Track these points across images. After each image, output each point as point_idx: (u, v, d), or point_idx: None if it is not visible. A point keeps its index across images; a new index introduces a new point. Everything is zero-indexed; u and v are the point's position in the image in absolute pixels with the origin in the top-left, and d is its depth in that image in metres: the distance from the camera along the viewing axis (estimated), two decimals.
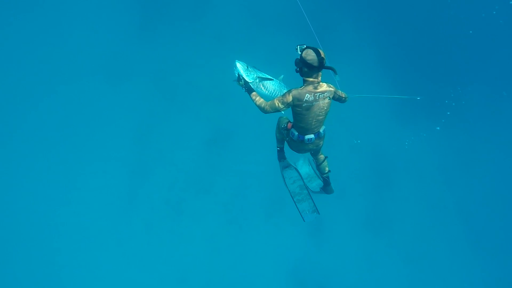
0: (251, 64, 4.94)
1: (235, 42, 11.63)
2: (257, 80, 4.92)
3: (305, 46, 3.86)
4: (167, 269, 11.03)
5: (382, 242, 11.60)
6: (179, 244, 11.11)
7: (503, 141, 12.10)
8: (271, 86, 5.19)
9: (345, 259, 11.35)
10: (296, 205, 5.22)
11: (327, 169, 5.05)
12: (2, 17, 11.58)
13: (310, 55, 3.74)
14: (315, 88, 3.90)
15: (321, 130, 4.42)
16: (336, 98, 4.24)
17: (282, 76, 5.54)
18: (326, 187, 5.11)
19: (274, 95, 5.20)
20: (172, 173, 11.46)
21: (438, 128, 12.00)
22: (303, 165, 5.59)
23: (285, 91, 5.23)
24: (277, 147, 5.19)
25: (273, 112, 4.10)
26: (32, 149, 11.37)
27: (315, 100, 3.93)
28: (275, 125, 5.03)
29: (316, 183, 5.42)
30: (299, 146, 4.53)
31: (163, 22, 11.90)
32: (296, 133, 4.36)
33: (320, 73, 3.89)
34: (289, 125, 4.50)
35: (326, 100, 4.04)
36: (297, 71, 4.00)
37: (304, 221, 5.25)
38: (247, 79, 4.67)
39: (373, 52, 12.29)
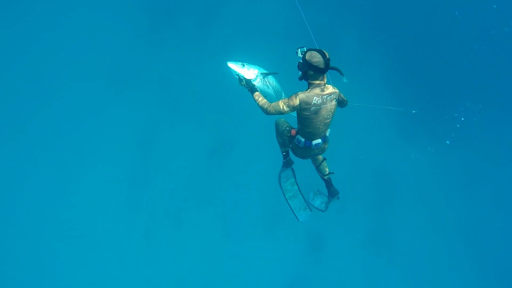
0: (246, 61, 4.63)
1: (241, 53, 11.70)
2: (261, 76, 4.67)
3: (305, 48, 3.76)
4: (164, 280, 10.89)
5: (382, 260, 11.43)
6: (177, 255, 11.01)
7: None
8: (273, 82, 4.95)
9: (344, 276, 11.17)
10: (288, 203, 5.11)
11: (327, 169, 4.86)
12: (12, 25, 11.74)
13: (315, 57, 3.62)
14: (322, 90, 3.77)
15: (327, 134, 4.27)
16: (339, 101, 4.08)
17: (278, 73, 5.34)
18: (330, 188, 4.92)
19: (276, 92, 4.99)
20: (173, 183, 11.42)
21: (448, 142, 11.88)
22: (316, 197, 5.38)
23: (283, 92, 5.11)
24: (282, 152, 4.98)
25: (276, 114, 3.94)
26: (35, 153, 11.40)
27: (323, 102, 3.80)
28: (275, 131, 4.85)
29: (320, 201, 5.28)
30: (305, 152, 4.36)
31: (170, 31, 12.01)
32: (303, 140, 4.18)
33: (326, 75, 3.79)
34: (293, 131, 4.34)
35: (333, 102, 3.92)
36: (301, 78, 3.87)
37: (298, 220, 5.10)
38: (248, 76, 4.44)
39: (381, 65, 12.25)
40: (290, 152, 4.89)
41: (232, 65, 4.46)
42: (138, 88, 11.78)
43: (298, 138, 4.23)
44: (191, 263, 10.93)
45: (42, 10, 11.75)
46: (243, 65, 4.50)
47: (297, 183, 5.12)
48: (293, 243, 11.28)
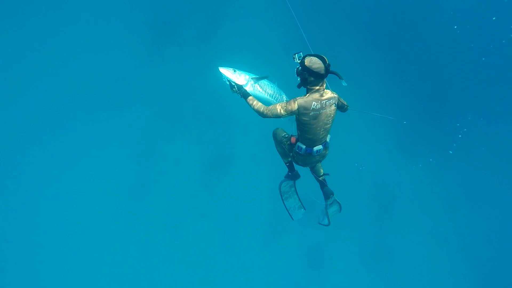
0: (238, 68, 4.58)
1: (240, 68, 11.79)
2: (252, 82, 4.61)
3: (302, 53, 3.70)
4: None
5: (383, 274, 11.28)
6: (174, 269, 10.89)
7: None
8: (270, 89, 4.86)
9: None
10: (284, 203, 5.02)
11: (322, 171, 4.76)
12: (23, 40, 11.90)
13: (316, 63, 3.56)
14: (321, 95, 3.71)
15: (327, 140, 4.19)
16: (339, 106, 4.02)
17: (276, 83, 5.27)
18: (324, 188, 4.85)
19: (274, 98, 4.88)
20: (171, 196, 11.39)
21: (450, 152, 11.85)
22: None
23: (284, 96, 5.03)
24: (285, 163, 4.81)
25: (273, 117, 3.85)
26: (35, 163, 11.43)
27: (322, 107, 3.74)
28: (274, 142, 4.74)
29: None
30: (307, 159, 4.24)
31: (170, 46, 12.15)
32: (304, 147, 4.07)
33: (325, 80, 3.73)
34: (293, 139, 4.21)
35: (333, 107, 3.84)
36: (299, 85, 3.81)
37: (292, 219, 5.04)
38: (239, 82, 4.34)
39: (383, 76, 12.28)
40: (295, 165, 4.78)
41: (223, 70, 4.43)
42: (138, 101, 11.86)
43: (298, 146, 4.13)
44: (189, 277, 10.81)
45: (48, 23, 11.90)
46: (235, 71, 4.47)
47: (295, 186, 5.09)
48: (292, 256, 11.17)
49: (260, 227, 11.32)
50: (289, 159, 4.73)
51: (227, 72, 4.43)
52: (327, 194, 4.77)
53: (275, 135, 4.61)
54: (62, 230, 10.95)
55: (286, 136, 4.44)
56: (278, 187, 5.05)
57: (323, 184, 4.78)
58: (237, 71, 4.51)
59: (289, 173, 4.90)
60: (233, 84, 4.20)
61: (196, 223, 11.23)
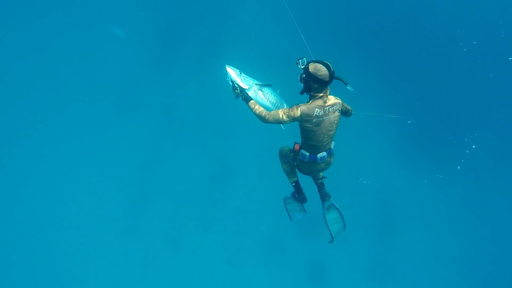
0: (244, 71, 4.50)
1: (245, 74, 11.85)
2: (255, 87, 4.53)
3: (305, 59, 3.64)
4: None
5: None
6: (174, 281, 10.79)
7: None
8: (272, 97, 4.79)
9: None
10: (286, 207, 5.01)
11: (320, 174, 4.77)
12: (27, 46, 12.10)
13: (321, 70, 3.50)
14: (324, 102, 3.65)
15: (332, 146, 4.10)
16: (343, 111, 3.94)
17: (279, 90, 5.16)
18: (321, 191, 4.79)
19: (275, 107, 4.79)
20: (173, 207, 11.36)
21: (459, 167, 11.70)
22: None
23: (284, 104, 4.94)
24: (291, 182, 4.70)
25: (275, 123, 3.81)
26: (38, 169, 11.50)
27: (325, 114, 3.67)
28: (280, 161, 4.67)
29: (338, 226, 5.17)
30: (311, 167, 4.14)
31: (175, 58, 12.28)
32: (307, 154, 4.00)
33: (328, 86, 3.66)
34: (297, 146, 4.13)
35: (336, 113, 3.77)
36: (302, 92, 3.75)
37: (291, 220, 4.99)
38: (242, 85, 4.26)
39: (389, 89, 12.28)
40: (301, 187, 4.71)
41: (230, 70, 4.35)
42: (143, 111, 11.95)
43: (302, 153, 4.05)
44: None
45: (56, 33, 12.12)
46: (240, 73, 4.40)
47: (303, 207, 5.07)
48: (294, 271, 11.02)
49: (262, 241, 11.21)
50: (296, 179, 4.67)
51: (233, 72, 4.34)
52: (323, 197, 4.75)
53: (280, 152, 4.57)
54: (62, 238, 10.95)
55: (290, 147, 4.38)
56: (283, 200, 5.01)
57: (320, 187, 4.75)
58: (243, 74, 4.44)
59: (296, 195, 4.81)
60: (236, 85, 4.18)
61: (197, 234, 11.17)
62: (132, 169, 11.54)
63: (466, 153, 11.80)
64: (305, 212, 5.04)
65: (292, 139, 4.22)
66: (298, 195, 4.79)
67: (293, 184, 4.70)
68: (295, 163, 4.31)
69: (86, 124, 11.76)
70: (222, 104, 11.29)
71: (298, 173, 4.60)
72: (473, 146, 11.77)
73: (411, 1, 12.25)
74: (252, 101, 4.00)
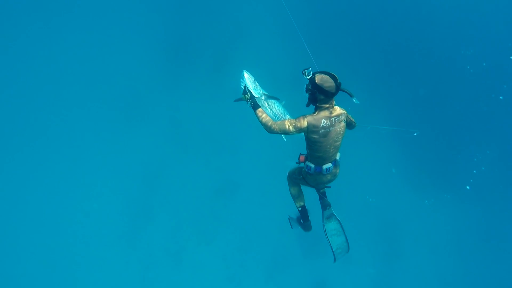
0: (258, 80, 4.57)
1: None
2: (263, 98, 4.60)
3: (311, 69, 3.62)
4: None
5: None
6: None
7: None
8: (276, 108, 4.82)
9: None
10: (289, 218, 4.89)
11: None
12: (35, 56, 12.32)
13: (327, 82, 3.49)
14: (330, 112, 3.64)
15: (337, 158, 4.07)
16: (347, 123, 3.93)
17: (284, 102, 5.21)
18: (322, 200, 4.70)
19: (277, 118, 4.82)
20: (176, 220, 11.29)
21: (468, 187, 11.50)
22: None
23: (288, 115, 4.92)
24: (298, 207, 4.57)
25: (280, 133, 3.79)
26: (42, 178, 11.53)
27: (332, 125, 3.66)
28: (287, 184, 4.56)
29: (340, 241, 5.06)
30: (317, 179, 4.09)
31: (184, 72, 12.42)
32: (313, 166, 3.96)
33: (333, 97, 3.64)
34: (301, 158, 4.08)
35: (342, 124, 3.76)
36: (308, 104, 3.75)
37: (291, 228, 4.84)
38: (254, 92, 4.29)
39: (399, 107, 12.26)
40: (308, 214, 4.61)
41: (246, 75, 4.42)
42: (149, 123, 12.02)
43: (307, 165, 4.01)
44: None
45: (66, 47, 12.36)
46: (255, 81, 4.48)
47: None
48: None
49: (264, 258, 11.06)
50: (302, 203, 4.56)
51: (248, 77, 4.42)
52: (324, 206, 4.71)
53: (289, 174, 4.52)
54: (63, 248, 10.87)
55: (297, 167, 4.32)
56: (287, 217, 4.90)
57: (321, 196, 4.69)
58: (256, 82, 4.54)
59: (302, 221, 4.69)
60: (248, 91, 4.19)
61: (199, 249, 11.06)
62: (136, 180, 11.54)
63: (474, 173, 11.63)
64: (309, 221, 4.81)
65: (296, 151, 4.19)
66: (304, 221, 4.66)
67: (299, 209, 4.57)
68: (300, 176, 4.27)
69: (93, 133, 11.84)
70: (228, 119, 11.34)
71: (303, 187, 4.51)
72: (482, 168, 11.61)
73: (419, 17, 12.32)
74: (260, 109, 4.00)
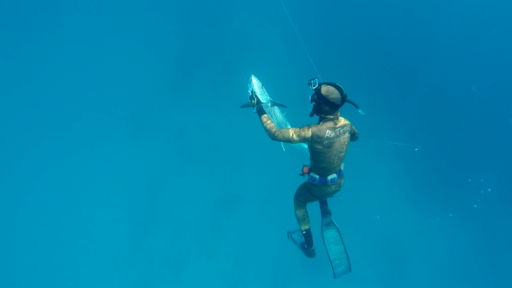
0: (265, 86, 4.55)
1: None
2: (269, 104, 4.57)
3: (316, 79, 3.61)
4: None
5: None
6: None
7: None
8: (279, 115, 4.79)
9: None
10: (291, 235, 4.82)
11: None
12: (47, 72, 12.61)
13: (333, 93, 3.46)
14: (335, 123, 3.61)
15: (342, 168, 4.01)
16: (351, 133, 3.89)
17: (285, 113, 5.26)
18: (322, 207, 4.61)
19: (279, 126, 4.72)
20: (177, 231, 11.23)
21: (475, 206, 11.31)
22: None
23: (288, 125, 4.88)
24: (302, 231, 4.46)
25: (283, 141, 3.73)
26: (46, 185, 11.65)
27: (337, 136, 3.63)
28: (293, 205, 4.47)
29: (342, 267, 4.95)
30: (322, 190, 4.01)
31: (191, 85, 12.58)
32: (317, 177, 3.89)
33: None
34: (305, 169, 4.03)
35: (347, 134, 3.73)
36: (312, 114, 3.72)
37: (291, 238, 4.78)
38: (260, 98, 4.25)
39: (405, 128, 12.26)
40: (312, 237, 4.48)
41: (254, 80, 4.43)
42: (155, 135, 12.14)
43: (312, 176, 3.94)
44: None
45: (77, 59, 12.65)
46: (262, 86, 4.49)
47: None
48: None
49: (265, 273, 10.91)
50: (307, 227, 4.45)
51: (256, 83, 4.43)
52: (324, 213, 4.65)
53: (295, 199, 4.46)
54: (63, 257, 10.86)
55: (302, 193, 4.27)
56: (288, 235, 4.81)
57: (322, 204, 4.64)
58: (263, 88, 4.56)
59: (305, 246, 4.57)
60: (255, 96, 4.15)
61: (199, 261, 10.98)
62: (140, 189, 11.58)
63: (481, 193, 11.48)
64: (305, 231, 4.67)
65: (300, 163, 4.17)
66: (308, 246, 4.52)
67: (304, 232, 4.45)
68: (305, 189, 4.21)
69: (100, 142, 11.99)
70: (234, 132, 11.39)
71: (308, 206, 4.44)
72: (489, 189, 11.46)
73: (428, 35, 12.41)
74: (265, 115, 3.96)
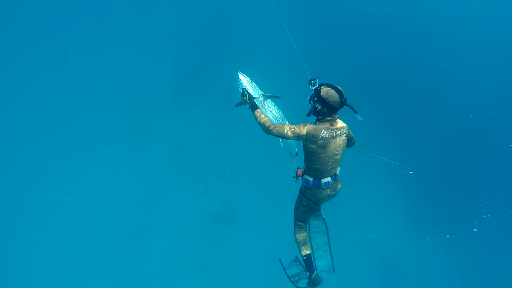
0: (254, 80, 4.53)
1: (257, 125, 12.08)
2: (262, 98, 4.54)
3: (317, 80, 3.57)
4: None
5: None
6: None
7: None
8: (275, 110, 4.77)
9: None
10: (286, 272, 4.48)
11: None
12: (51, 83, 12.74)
13: (332, 96, 3.43)
14: (332, 125, 3.58)
15: (337, 172, 3.93)
16: (348, 138, 3.85)
17: (281, 110, 5.21)
18: (318, 212, 4.54)
19: (276, 121, 4.67)
20: (171, 243, 11.14)
21: (475, 230, 11.21)
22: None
23: (286, 121, 4.79)
24: (303, 256, 4.23)
25: (277, 136, 3.68)
26: (44, 192, 11.73)
27: (332, 137, 3.58)
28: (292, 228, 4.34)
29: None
30: (317, 194, 3.91)
31: (193, 97, 12.69)
32: (311, 179, 3.83)
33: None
34: (299, 171, 3.96)
35: (343, 137, 3.69)
36: (309, 114, 3.67)
37: (281, 263, 4.50)
38: (252, 93, 4.24)
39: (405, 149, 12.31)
40: (314, 267, 4.27)
41: (241, 77, 4.41)
42: (152, 146, 12.21)
43: (306, 179, 3.88)
44: None
45: (80, 68, 12.77)
46: (251, 81, 4.45)
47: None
48: None
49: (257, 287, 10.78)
50: (308, 252, 4.25)
51: (244, 79, 4.41)
52: (318, 217, 4.59)
53: (294, 215, 4.35)
54: (55, 266, 10.79)
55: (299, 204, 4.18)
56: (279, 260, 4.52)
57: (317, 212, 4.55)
58: (253, 82, 4.50)
59: (307, 273, 4.27)
60: (246, 92, 4.16)
61: (192, 273, 10.86)
62: (136, 199, 11.57)
63: (483, 217, 11.42)
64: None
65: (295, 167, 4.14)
66: (310, 273, 4.25)
67: (305, 258, 4.24)
68: (300, 194, 4.12)
69: (97, 152, 12.06)
70: (231, 145, 11.42)
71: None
72: (488, 215, 11.38)
73: (429, 55, 12.56)
74: (258, 110, 3.95)
